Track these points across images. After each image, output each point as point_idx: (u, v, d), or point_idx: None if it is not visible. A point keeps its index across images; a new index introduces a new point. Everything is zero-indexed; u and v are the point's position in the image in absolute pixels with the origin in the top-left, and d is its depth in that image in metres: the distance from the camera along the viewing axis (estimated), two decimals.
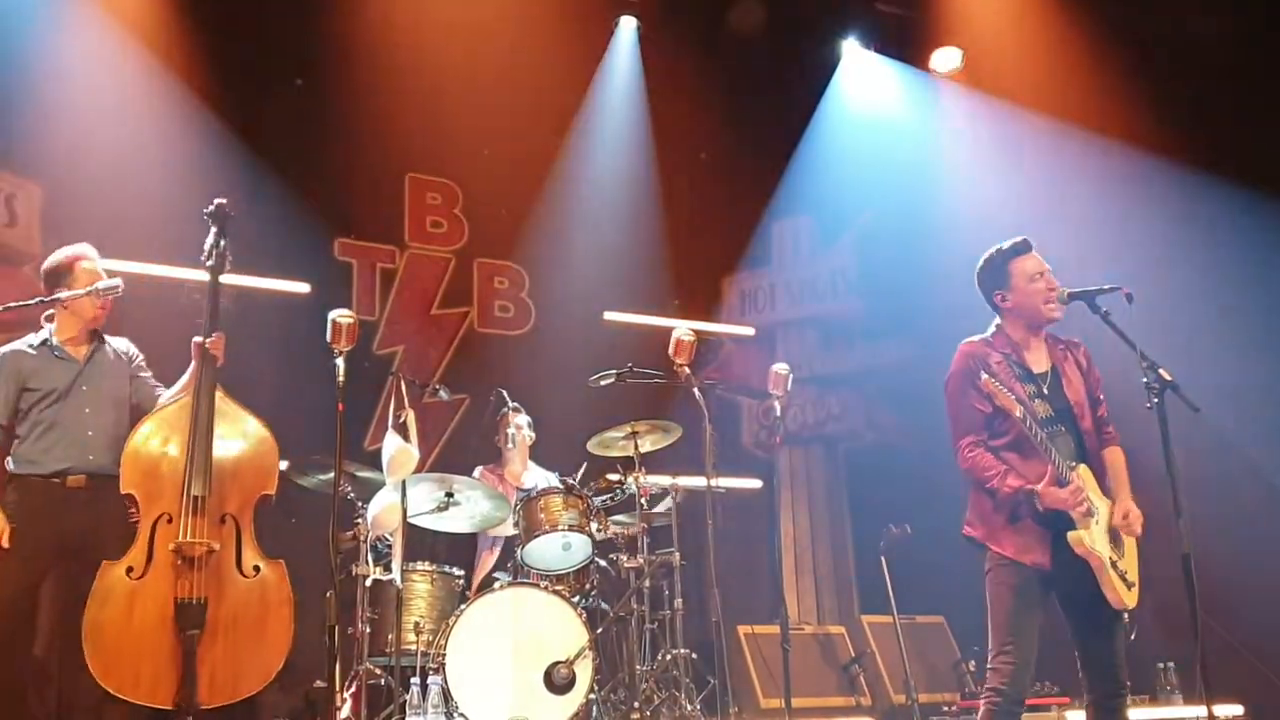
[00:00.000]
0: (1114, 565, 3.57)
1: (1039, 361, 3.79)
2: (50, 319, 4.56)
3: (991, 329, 3.86)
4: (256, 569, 4.26)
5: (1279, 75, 6.61)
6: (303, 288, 6.61)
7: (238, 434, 4.41)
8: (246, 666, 4.14)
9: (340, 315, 4.21)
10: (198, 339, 4.43)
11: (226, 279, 4.53)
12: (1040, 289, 3.78)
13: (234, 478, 4.35)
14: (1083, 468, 3.64)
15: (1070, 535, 3.53)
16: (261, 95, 6.53)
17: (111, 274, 4.62)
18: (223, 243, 4.45)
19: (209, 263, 4.45)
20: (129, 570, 4.16)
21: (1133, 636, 3.63)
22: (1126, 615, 3.59)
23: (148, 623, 4.09)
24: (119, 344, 4.67)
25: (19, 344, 4.52)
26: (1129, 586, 3.60)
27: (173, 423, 4.35)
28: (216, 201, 4.48)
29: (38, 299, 4.59)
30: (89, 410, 4.45)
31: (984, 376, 3.61)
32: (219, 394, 4.43)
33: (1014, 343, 3.80)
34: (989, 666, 3.64)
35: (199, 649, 4.05)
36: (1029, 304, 3.78)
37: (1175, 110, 6.69)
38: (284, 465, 5.07)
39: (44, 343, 4.52)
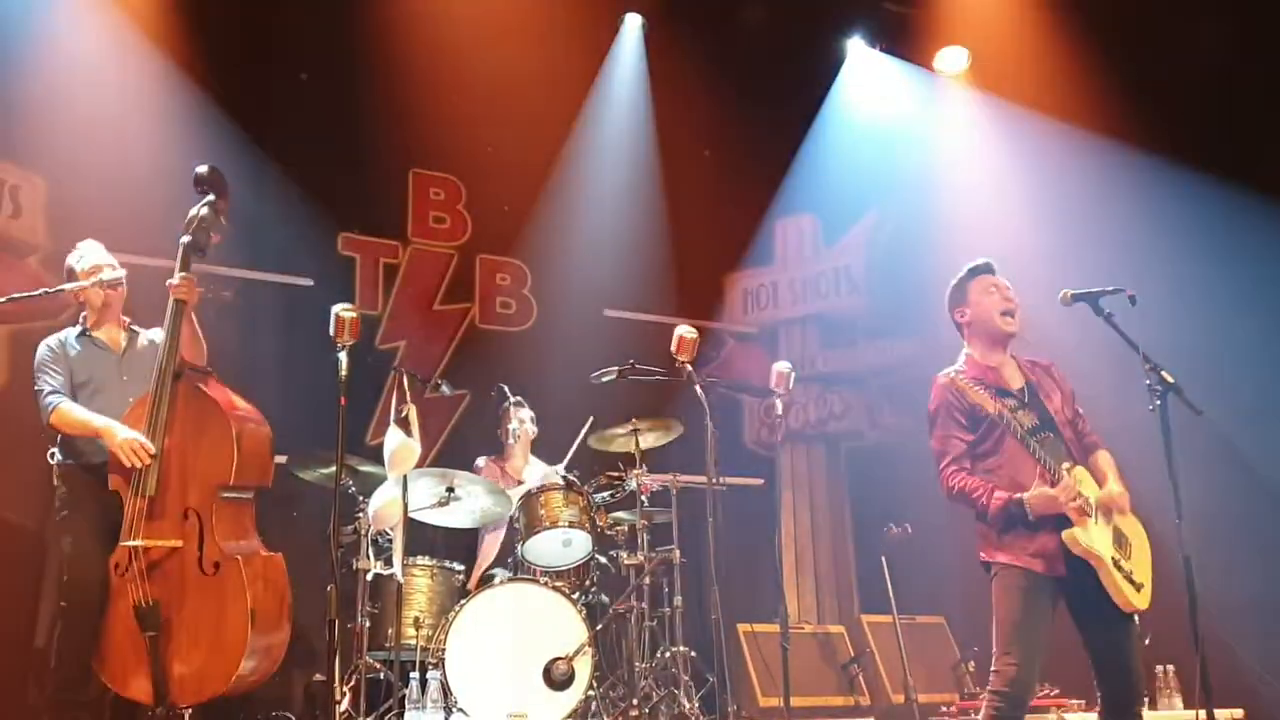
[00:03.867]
0: (1117, 565, 3.52)
1: (1014, 379, 3.78)
2: (77, 319, 4.63)
3: (961, 358, 3.85)
4: (217, 566, 4.16)
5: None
6: (306, 281, 6.62)
7: (195, 424, 4.30)
8: (208, 669, 4.11)
9: (343, 309, 4.22)
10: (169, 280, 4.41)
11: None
12: (995, 300, 3.78)
13: (191, 470, 4.26)
14: (1079, 469, 3.62)
15: (1065, 534, 3.48)
16: (266, 89, 6.53)
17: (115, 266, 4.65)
18: (205, 213, 4.43)
19: (185, 238, 4.44)
20: (116, 566, 4.20)
21: (1147, 641, 3.59)
22: (1137, 618, 3.54)
23: (125, 621, 4.14)
24: (154, 334, 4.65)
25: (61, 335, 4.60)
26: (1137, 588, 3.54)
27: (139, 415, 4.31)
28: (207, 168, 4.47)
29: (42, 290, 4.64)
30: (132, 399, 4.43)
31: (959, 379, 3.60)
32: (198, 384, 4.38)
33: (985, 367, 3.78)
34: (992, 669, 3.59)
35: (167, 649, 4.08)
36: (984, 315, 3.79)
37: (1181, 113, 6.69)
38: (283, 459, 5.11)
39: (82, 334, 4.59)
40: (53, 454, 4.49)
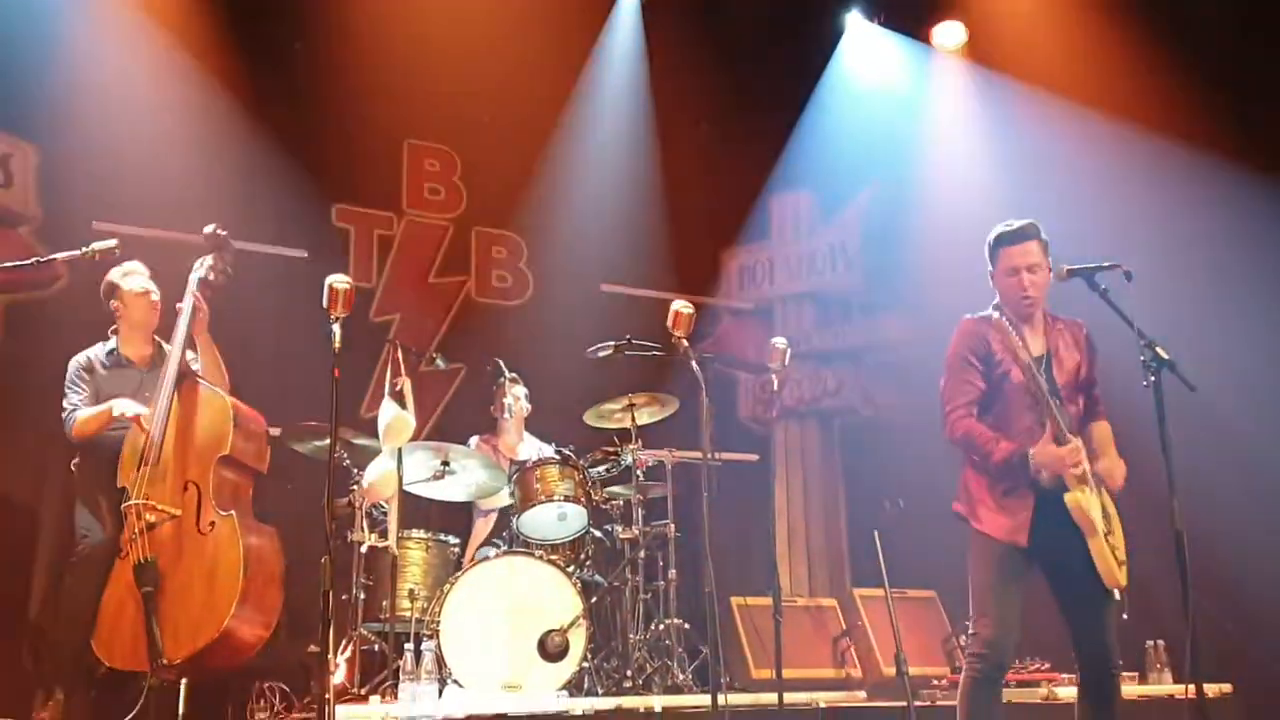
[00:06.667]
0: (1105, 537, 3.56)
1: (1035, 344, 3.77)
2: (115, 332, 4.89)
3: (993, 306, 3.84)
4: (212, 525, 4.47)
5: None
6: (300, 253, 6.59)
7: (197, 408, 4.65)
8: (201, 615, 4.33)
9: (337, 281, 4.18)
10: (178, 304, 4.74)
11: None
12: (1014, 285, 3.75)
13: (191, 447, 4.59)
14: (1078, 439, 3.64)
15: (1067, 497, 3.51)
16: (260, 59, 6.47)
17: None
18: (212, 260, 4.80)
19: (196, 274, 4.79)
20: (119, 551, 4.46)
21: (1125, 616, 3.63)
22: (1118, 593, 3.59)
23: (125, 592, 4.37)
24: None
25: (91, 352, 4.85)
26: (1119, 564, 3.59)
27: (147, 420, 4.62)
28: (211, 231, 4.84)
29: (33, 260, 4.65)
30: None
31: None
32: (199, 382, 4.71)
33: (1013, 321, 3.77)
34: (969, 634, 3.66)
35: (161, 606, 4.29)
36: (1005, 294, 3.79)
37: (1180, 88, 6.66)
38: (277, 431, 5.12)
39: (111, 352, 4.86)
40: (74, 464, 4.79)
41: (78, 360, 4.82)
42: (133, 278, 4.87)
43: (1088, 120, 7.00)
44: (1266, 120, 6.66)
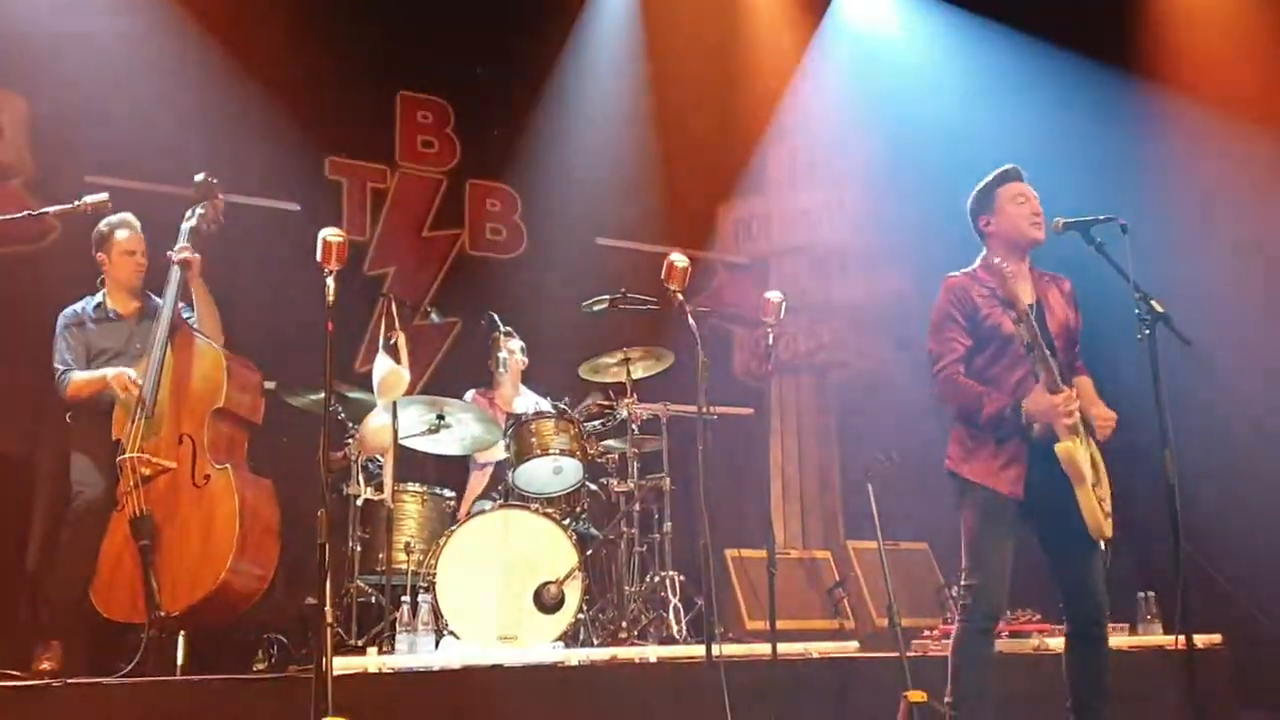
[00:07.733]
0: (1093, 488, 3.55)
1: (1025, 293, 3.75)
2: (102, 284, 4.87)
3: (977, 262, 3.82)
4: (207, 478, 4.49)
5: None
6: (292, 206, 6.55)
7: (191, 361, 4.67)
8: (198, 567, 4.38)
9: (330, 234, 4.16)
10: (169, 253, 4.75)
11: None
12: (1025, 211, 3.74)
13: (185, 399, 4.61)
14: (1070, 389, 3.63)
15: (1058, 447, 3.48)
16: (250, 9, 6.39)
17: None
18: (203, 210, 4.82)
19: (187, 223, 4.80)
20: (115, 504, 4.49)
21: (1108, 565, 3.65)
22: (1103, 543, 3.60)
23: (122, 545, 4.41)
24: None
25: (78, 306, 4.84)
26: (1106, 515, 3.58)
27: (143, 365, 4.65)
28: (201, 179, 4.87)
29: (25, 213, 4.62)
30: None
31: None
32: (192, 334, 4.72)
33: (1001, 276, 3.75)
34: (962, 586, 3.66)
35: (158, 559, 4.33)
36: (1012, 224, 3.74)
37: (1177, 40, 6.61)
38: (272, 385, 5.12)
39: (98, 306, 4.85)
40: (68, 416, 4.77)
41: (65, 316, 4.80)
42: (123, 230, 4.84)
43: (1085, 71, 6.95)
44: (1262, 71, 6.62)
